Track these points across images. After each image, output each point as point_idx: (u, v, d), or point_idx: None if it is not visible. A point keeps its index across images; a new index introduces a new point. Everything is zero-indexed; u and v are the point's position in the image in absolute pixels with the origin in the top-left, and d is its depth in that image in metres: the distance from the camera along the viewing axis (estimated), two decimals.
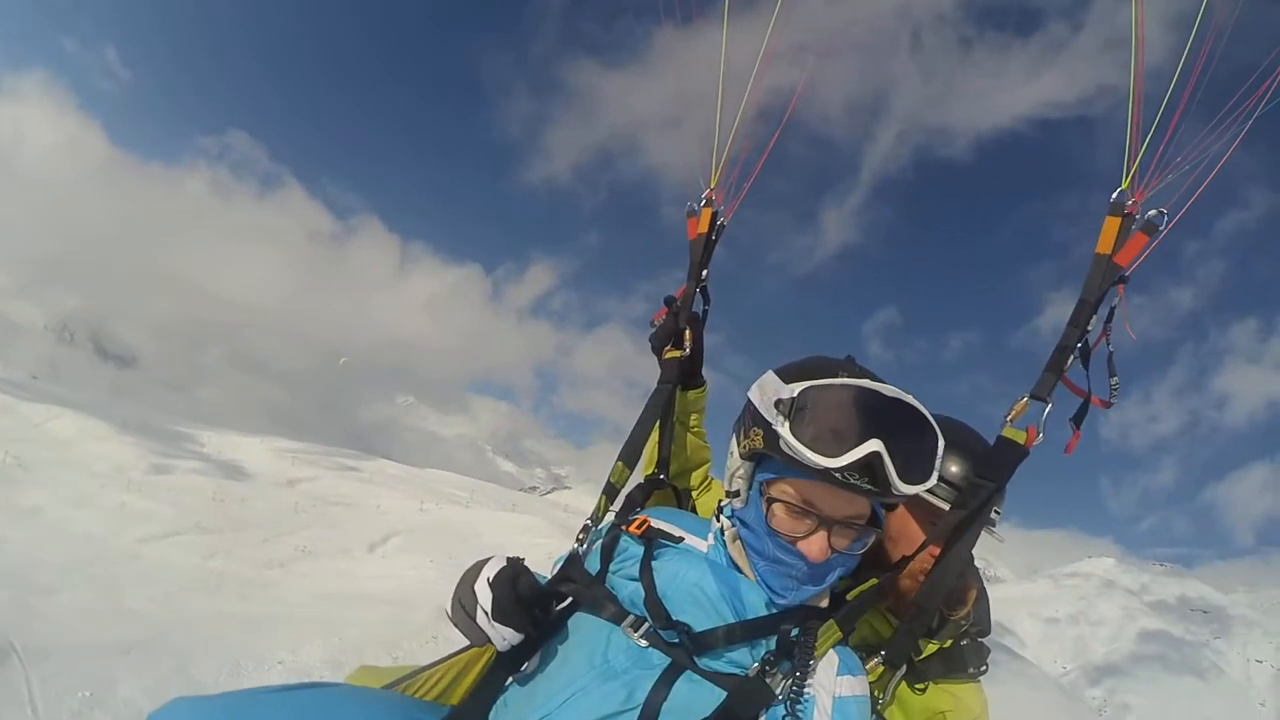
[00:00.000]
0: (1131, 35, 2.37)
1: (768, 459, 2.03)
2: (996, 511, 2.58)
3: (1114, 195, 2.33)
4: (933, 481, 1.95)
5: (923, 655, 2.50)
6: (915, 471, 1.92)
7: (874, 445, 1.84)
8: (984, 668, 2.61)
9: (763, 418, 1.97)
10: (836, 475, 1.85)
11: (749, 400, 2.07)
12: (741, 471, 2.10)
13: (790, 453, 1.89)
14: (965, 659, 2.56)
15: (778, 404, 1.94)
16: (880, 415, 1.89)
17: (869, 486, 1.87)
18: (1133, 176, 2.33)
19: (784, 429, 1.90)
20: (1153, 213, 2.28)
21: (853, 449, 1.84)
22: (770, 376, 2.05)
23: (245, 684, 9.45)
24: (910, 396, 1.95)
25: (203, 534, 17.81)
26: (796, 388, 1.94)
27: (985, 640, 2.72)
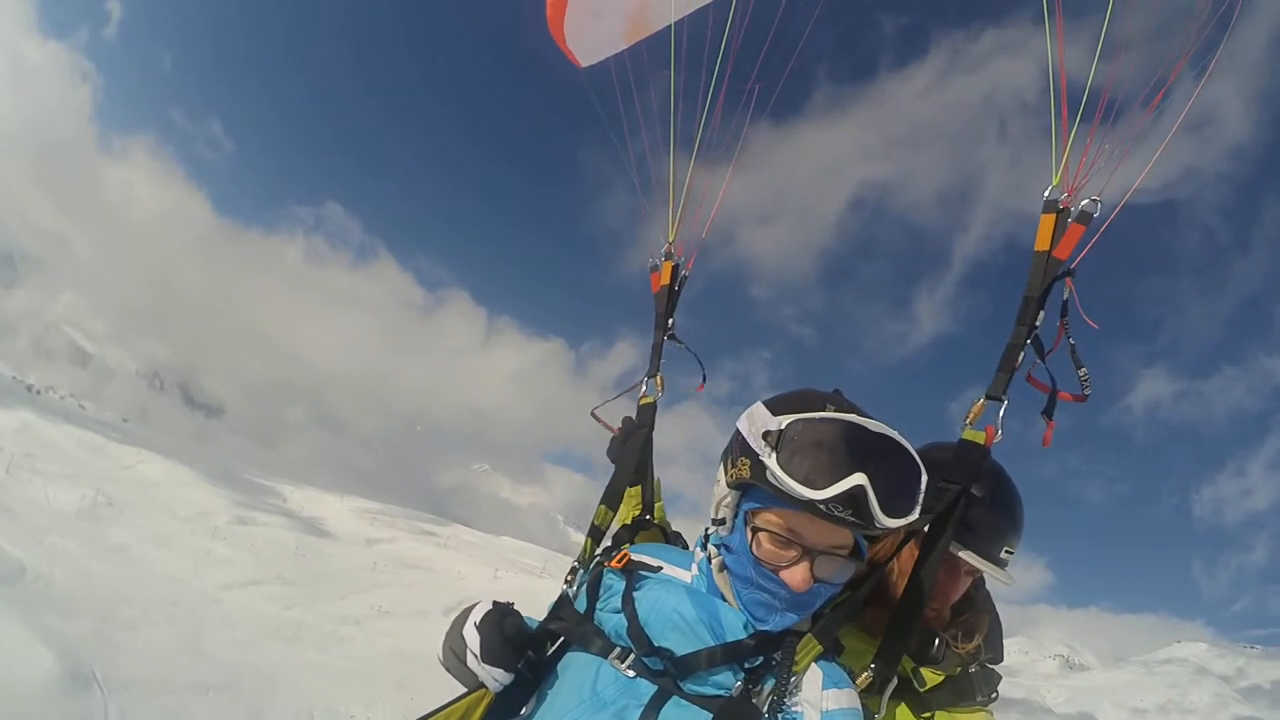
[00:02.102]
0: (1046, 33, 2.46)
1: (754, 488, 1.98)
2: (1009, 550, 2.52)
3: (1045, 193, 2.38)
4: (914, 516, 1.93)
5: (928, 685, 2.37)
6: (898, 506, 1.90)
7: (858, 479, 1.82)
8: (994, 695, 2.51)
9: (750, 448, 1.95)
10: (821, 507, 1.82)
11: (737, 430, 2.04)
12: (728, 500, 2.06)
13: (776, 484, 1.86)
14: (974, 686, 2.44)
15: (765, 435, 1.92)
16: (865, 450, 1.88)
17: (852, 519, 1.84)
18: (1063, 172, 2.36)
19: (770, 460, 1.88)
20: (1085, 203, 2.31)
21: (837, 482, 1.82)
22: (759, 408, 2.02)
23: None
24: (895, 432, 1.93)
25: (283, 585, 18.02)
26: (784, 420, 1.92)
27: (997, 668, 2.62)
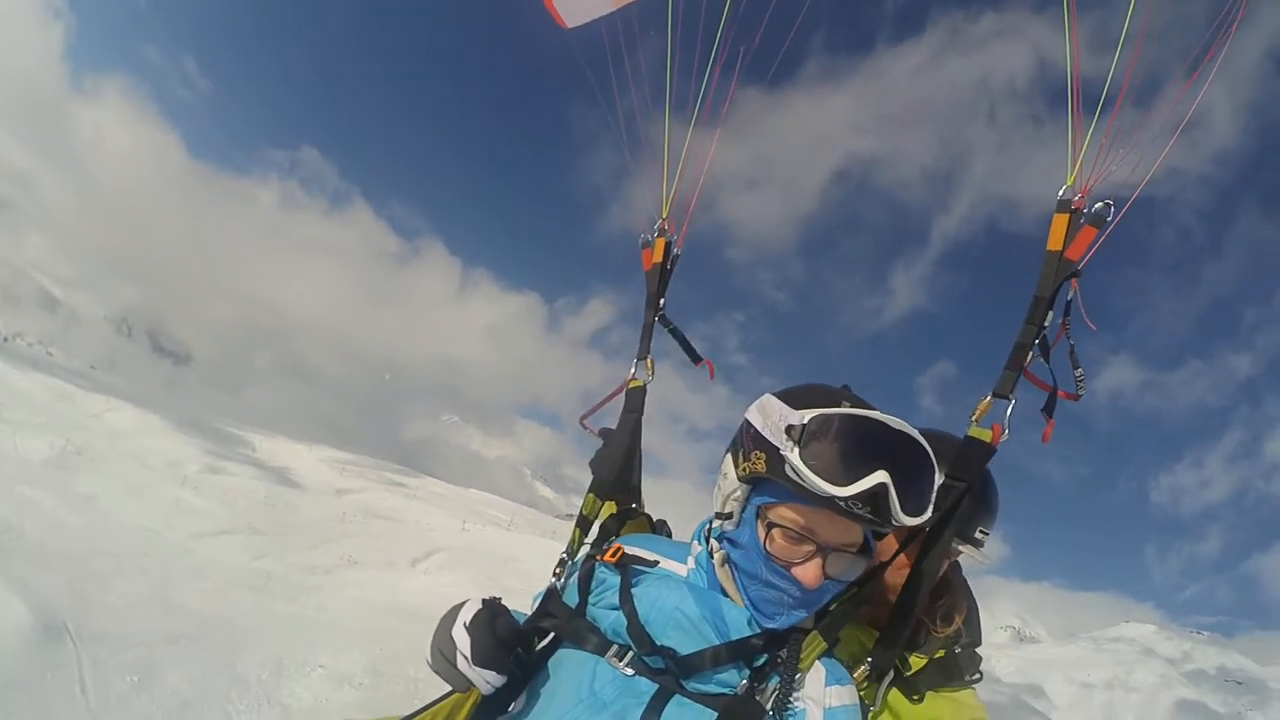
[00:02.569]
0: (1065, 34, 2.44)
1: (768, 483, 2.00)
2: (983, 531, 2.62)
3: (1060, 192, 2.39)
4: (929, 514, 1.97)
5: (914, 670, 2.46)
6: (915, 504, 1.93)
7: (881, 477, 1.84)
8: (978, 675, 2.57)
9: (767, 441, 1.96)
10: (841, 504, 1.85)
11: (748, 423, 2.05)
12: (737, 494, 2.07)
13: (798, 479, 1.88)
14: (960, 666, 2.52)
15: (789, 429, 1.92)
16: (886, 447, 1.90)
17: (870, 516, 1.87)
18: (1077, 173, 2.38)
19: (793, 455, 1.88)
20: (1099, 205, 2.33)
21: (860, 479, 1.84)
22: (772, 401, 2.03)
23: (287, 682, 9.56)
24: (915, 430, 1.94)
25: (253, 535, 18.04)
26: (806, 414, 1.92)
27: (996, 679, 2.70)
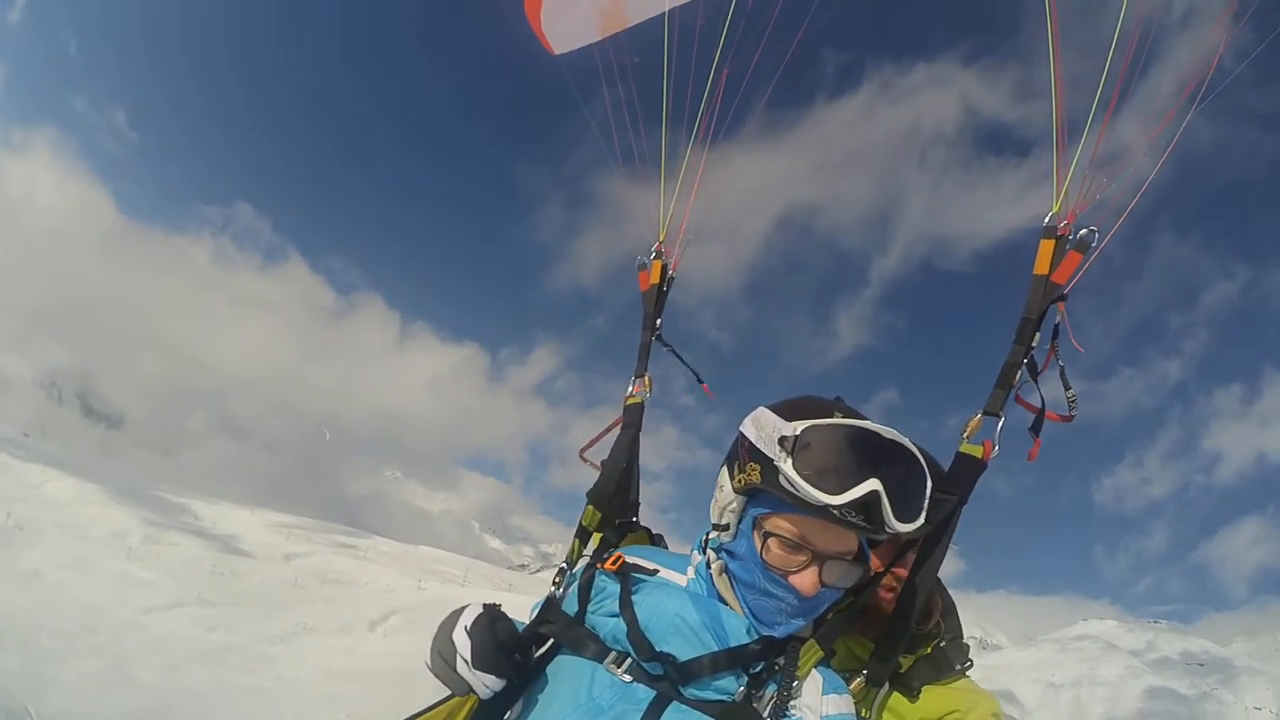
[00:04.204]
0: (1050, 60, 2.53)
1: (763, 494, 2.01)
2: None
3: (1046, 219, 2.45)
4: (921, 521, 1.98)
5: (903, 669, 2.49)
6: (908, 511, 1.95)
7: (873, 484, 1.86)
8: (968, 663, 2.62)
9: (761, 453, 1.98)
10: (835, 512, 1.86)
11: (743, 435, 2.06)
12: (734, 505, 2.09)
13: (791, 489, 1.89)
14: (950, 658, 2.58)
15: (781, 440, 1.94)
16: (878, 455, 1.92)
17: (864, 524, 1.89)
18: (1062, 199, 2.44)
19: (786, 465, 1.90)
20: (1084, 231, 2.39)
21: (853, 487, 1.86)
22: (766, 413, 2.04)
23: None
24: (907, 440, 1.96)
25: (204, 606, 17.68)
26: (799, 426, 1.95)
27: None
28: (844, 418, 1.98)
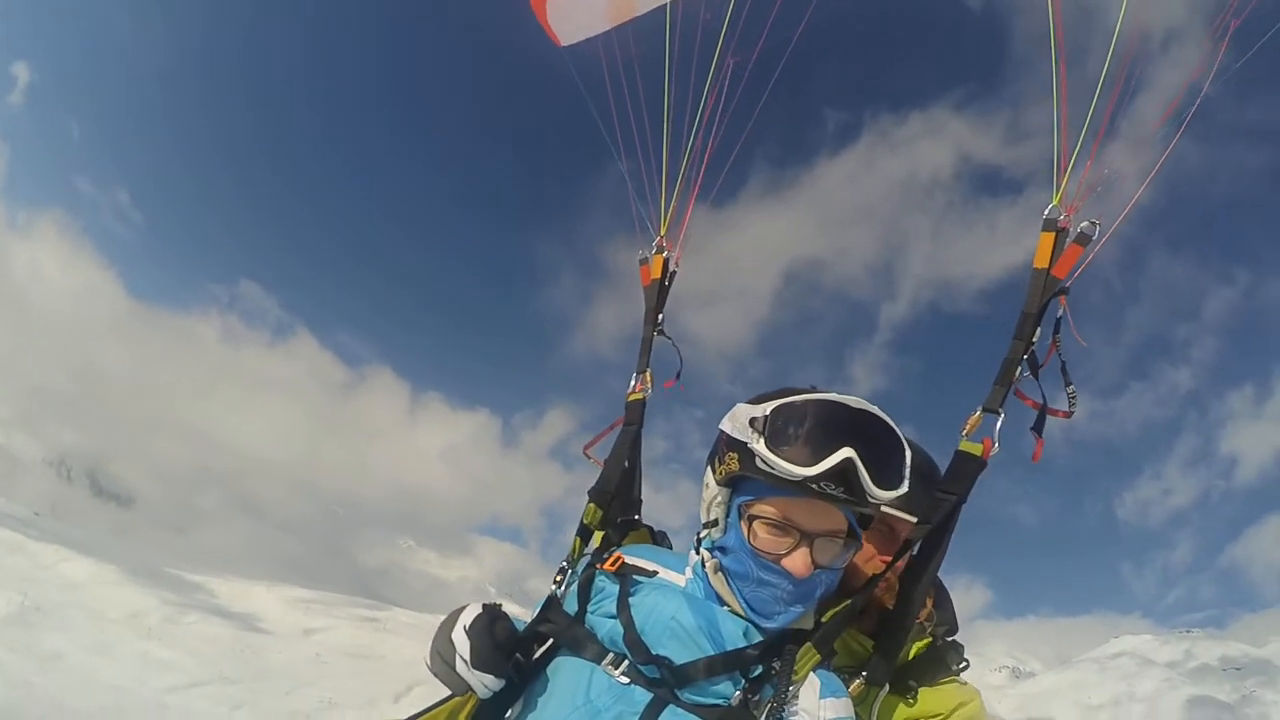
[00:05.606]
0: (1052, 53, 2.50)
1: (744, 481, 2.05)
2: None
3: (1045, 211, 2.44)
4: (904, 488, 2.00)
5: (897, 663, 2.44)
6: (887, 478, 1.97)
7: (847, 453, 1.89)
8: (964, 663, 2.56)
9: (737, 441, 2.02)
10: (813, 486, 1.90)
11: (721, 431, 2.11)
12: (719, 498, 2.13)
13: (766, 467, 1.94)
14: (946, 659, 2.52)
15: (751, 422, 1.98)
16: (850, 425, 1.95)
17: (845, 495, 1.92)
18: (1063, 192, 2.43)
19: (759, 445, 1.95)
20: (1085, 224, 2.38)
21: (826, 457, 1.89)
22: (740, 405, 2.09)
23: None
24: (876, 408, 2.00)
25: (226, 684, 17.49)
26: (768, 406, 2.00)
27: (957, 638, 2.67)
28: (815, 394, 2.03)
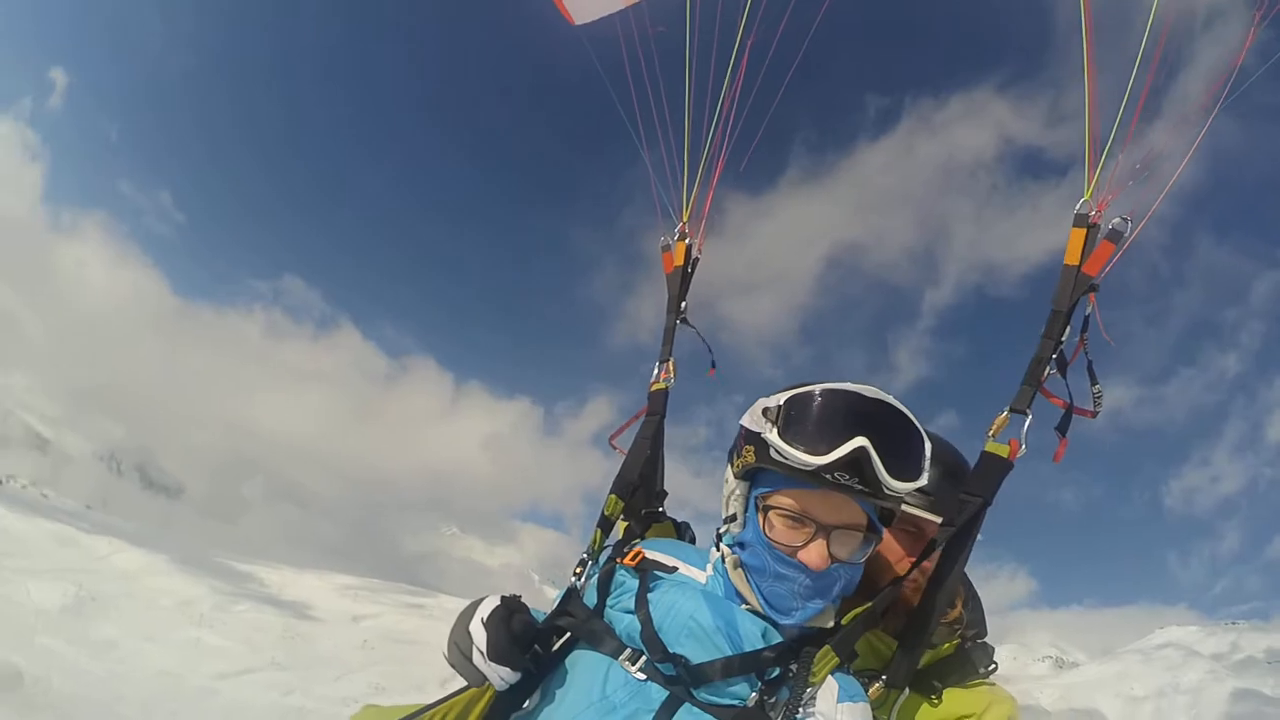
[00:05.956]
0: (1083, 46, 2.45)
1: (762, 473, 2.05)
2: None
3: (1077, 206, 2.40)
4: (923, 480, 1.98)
5: (922, 664, 2.40)
6: (904, 469, 1.95)
7: (860, 441, 1.87)
8: (994, 666, 2.52)
9: (753, 433, 2.02)
10: (827, 476, 1.89)
11: (740, 426, 2.10)
12: (737, 491, 2.12)
13: (780, 456, 1.93)
14: (975, 661, 2.48)
15: (765, 412, 1.99)
16: (864, 415, 1.94)
17: (859, 486, 1.90)
18: (1094, 187, 2.39)
19: (772, 435, 1.95)
20: (1116, 220, 2.35)
21: (839, 446, 1.87)
22: (758, 401, 2.08)
23: None
24: (892, 398, 1.99)
25: (277, 671, 17.75)
26: (782, 397, 2.00)
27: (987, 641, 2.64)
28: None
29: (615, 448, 3.05)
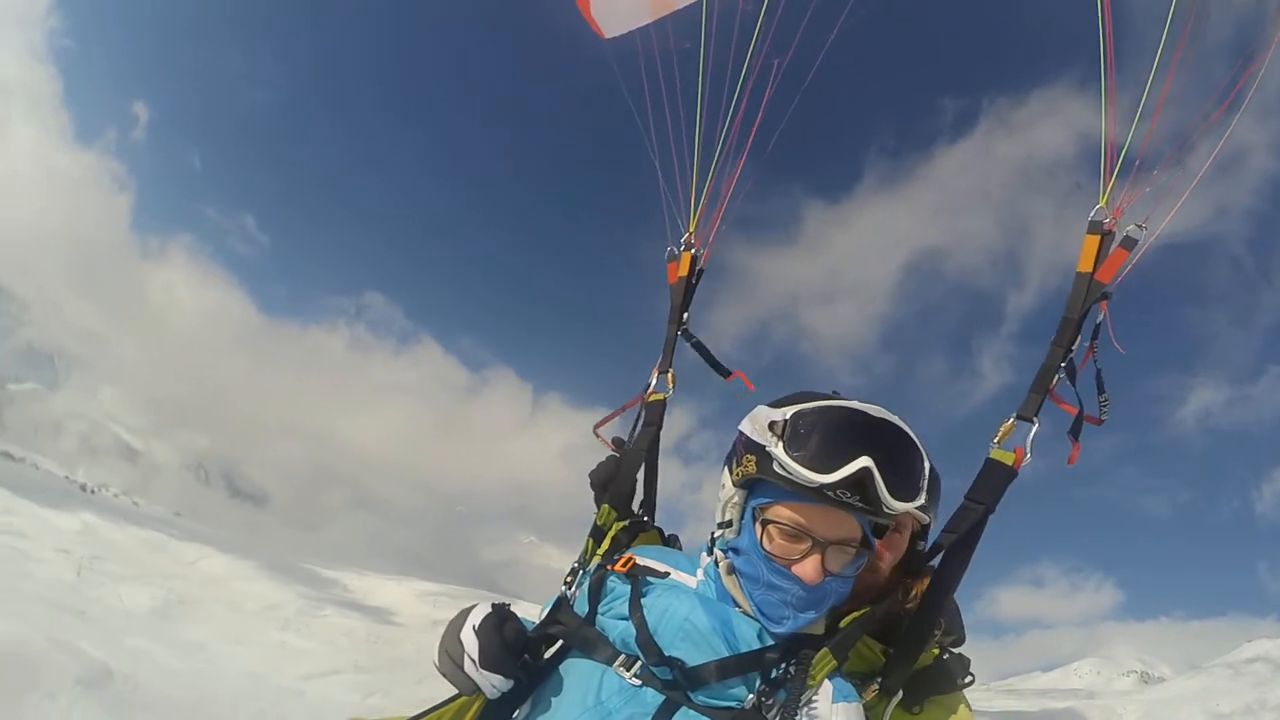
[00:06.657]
0: (1100, 51, 2.41)
1: (761, 484, 2.03)
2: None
3: (1091, 213, 2.37)
4: (921, 500, 1.99)
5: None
6: (904, 489, 1.94)
7: (864, 462, 1.87)
8: (969, 678, 2.39)
9: (755, 444, 2.00)
10: (829, 494, 1.88)
11: (740, 432, 2.09)
12: (735, 500, 2.10)
13: (784, 472, 1.92)
14: (953, 672, 2.36)
15: (771, 425, 1.97)
16: (869, 434, 1.94)
17: (860, 504, 1.90)
18: (1109, 194, 2.36)
19: (777, 449, 1.93)
20: (1131, 228, 2.32)
21: (844, 465, 1.87)
22: (761, 408, 2.07)
23: None
24: (896, 418, 2.01)
25: (360, 673, 18.05)
26: (788, 411, 1.99)
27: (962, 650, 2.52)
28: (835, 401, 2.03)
29: (599, 437, 3.10)
